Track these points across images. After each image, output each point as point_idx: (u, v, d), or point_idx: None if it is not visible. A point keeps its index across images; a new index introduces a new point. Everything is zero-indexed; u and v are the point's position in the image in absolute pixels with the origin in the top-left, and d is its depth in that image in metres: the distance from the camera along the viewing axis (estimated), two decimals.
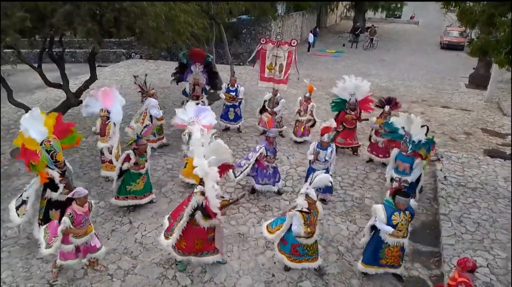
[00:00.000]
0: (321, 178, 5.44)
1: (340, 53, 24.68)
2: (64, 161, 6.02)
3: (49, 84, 9.87)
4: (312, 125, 9.85)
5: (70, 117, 10.56)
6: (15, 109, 11.11)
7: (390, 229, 5.19)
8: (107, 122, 7.69)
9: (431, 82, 17.82)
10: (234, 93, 10.23)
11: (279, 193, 7.77)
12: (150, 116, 8.91)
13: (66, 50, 15.49)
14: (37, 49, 10.40)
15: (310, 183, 5.40)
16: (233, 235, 6.53)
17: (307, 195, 5.25)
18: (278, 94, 10.10)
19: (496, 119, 12.85)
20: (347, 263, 6.04)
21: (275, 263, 5.95)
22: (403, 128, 7.03)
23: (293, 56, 9.75)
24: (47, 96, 13.49)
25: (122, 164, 6.65)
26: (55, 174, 5.81)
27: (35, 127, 5.70)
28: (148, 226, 6.73)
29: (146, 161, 6.90)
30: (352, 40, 28.08)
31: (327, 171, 7.15)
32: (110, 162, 7.85)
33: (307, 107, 9.71)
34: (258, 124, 10.54)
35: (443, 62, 23.51)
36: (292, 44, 9.74)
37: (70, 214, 4.99)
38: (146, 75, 9.67)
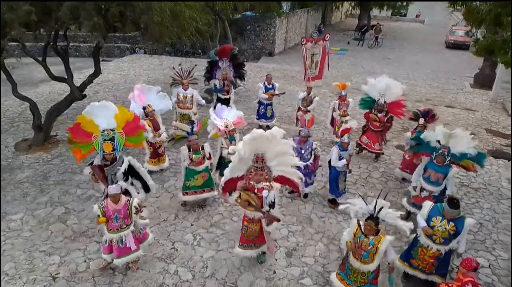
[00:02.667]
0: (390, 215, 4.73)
1: (344, 51, 24.58)
2: (114, 155, 5.80)
3: (53, 77, 9.89)
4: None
5: (74, 111, 10.60)
6: (19, 102, 11.15)
7: (422, 223, 5.10)
8: (154, 116, 7.96)
9: (436, 81, 17.73)
10: (273, 90, 10.28)
11: (305, 195, 7.57)
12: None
13: (71, 44, 15.51)
14: (41, 43, 10.43)
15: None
16: (235, 232, 6.51)
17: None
18: (312, 93, 9.98)
19: (501, 119, 12.78)
20: None
21: (276, 260, 5.97)
22: (438, 141, 6.35)
23: (326, 51, 9.63)
24: (51, 89, 13.53)
25: (184, 161, 6.76)
26: (97, 160, 5.89)
27: (103, 115, 5.77)
28: (151, 221, 6.70)
29: (205, 158, 6.79)
30: (357, 38, 27.97)
31: (345, 173, 7.15)
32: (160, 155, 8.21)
33: (348, 105, 9.51)
34: (296, 125, 10.39)
35: (448, 61, 23.38)
36: (326, 39, 9.60)
37: (102, 205, 5.23)
38: (180, 64, 9.73)
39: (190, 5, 9.61)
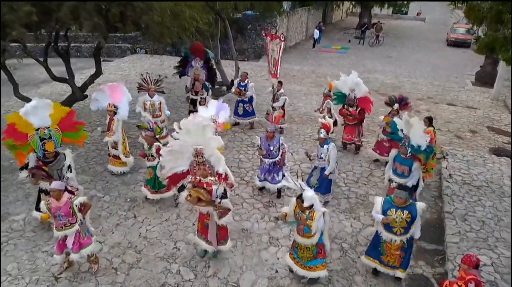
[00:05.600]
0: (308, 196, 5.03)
1: (345, 50, 24.56)
2: (56, 152, 5.99)
3: (54, 78, 9.91)
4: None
5: (76, 112, 10.56)
6: (21, 103, 11.10)
7: (379, 217, 5.18)
8: (113, 117, 7.80)
9: (437, 79, 17.70)
10: (243, 89, 10.21)
11: (278, 193, 7.57)
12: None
13: (72, 44, 15.53)
14: (42, 43, 10.45)
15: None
16: (237, 231, 6.54)
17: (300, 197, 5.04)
18: (282, 90, 10.00)
19: (503, 117, 12.75)
20: (351, 260, 6.04)
21: (278, 258, 5.97)
22: (401, 130, 6.69)
23: (280, 51, 9.56)
24: (52, 90, 13.54)
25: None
26: (32, 161, 5.91)
27: (37, 113, 5.82)
28: (152, 220, 6.76)
29: (153, 156, 6.75)
30: (358, 37, 27.93)
31: (323, 170, 7.04)
32: (115, 157, 7.97)
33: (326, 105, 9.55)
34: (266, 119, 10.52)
35: (450, 59, 23.33)
36: (281, 39, 9.57)
37: (47, 201, 5.12)
38: (147, 72, 9.60)
39: (190, 4, 9.60)
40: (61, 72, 10.30)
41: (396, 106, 8.42)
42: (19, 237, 6.28)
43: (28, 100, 9.39)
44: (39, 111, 5.83)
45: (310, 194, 4.94)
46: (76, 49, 19.56)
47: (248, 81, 10.30)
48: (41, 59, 9.55)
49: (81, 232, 5.26)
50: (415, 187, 6.66)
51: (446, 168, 8.72)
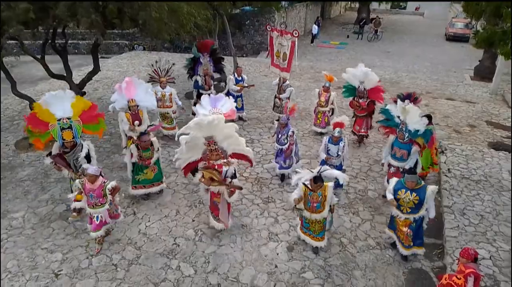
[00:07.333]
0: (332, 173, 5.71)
1: (344, 45, 24.51)
2: (75, 142, 6.19)
3: (52, 75, 9.88)
4: (332, 113, 9.92)
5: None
6: (19, 100, 11.15)
7: (390, 197, 5.70)
8: (137, 111, 7.95)
9: (436, 74, 17.68)
10: (242, 82, 10.47)
11: (282, 177, 7.93)
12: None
13: (69, 41, 15.45)
14: (40, 41, 10.43)
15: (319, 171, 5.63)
16: (236, 226, 6.55)
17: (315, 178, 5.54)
18: (287, 82, 10.30)
19: (501, 111, 12.75)
20: (350, 254, 6.06)
21: (278, 254, 5.99)
22: (398, 117, 6.86)
23: (295, 47, 9.72)
24: (50, 87, 13.48)
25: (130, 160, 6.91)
26: (55, 149, 6.20)
27: (59, 104, 6.07)
28: (152, 217, 6.77)
29: (155, 151, 6.95)
30: (356, 32, 27.86)
31: (339, 166, 7.18)
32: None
33: (328, 97, 9.78)
34: (273, 109, 10.94)
35: (448, 54, 23.29)
36: (294, 35, 9.66)
37: (81, 181, 5.68)
38: (174, 64, 9.77)
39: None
40: (58, 69, 10.26)
41: (407, 102, 8.21)
42: (19, 234, 6.29)
43: (25, 97, 9.41)
44: (61, 102, 6.08)
45: (328, 171, 5.64)
46: (74, 46, 19.49)
47: (242, 75, 10.59)
48: (39, 56, 9.52)
49: (111, 210, 5.90)
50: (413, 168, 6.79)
51: (444, 162, 8.73)
